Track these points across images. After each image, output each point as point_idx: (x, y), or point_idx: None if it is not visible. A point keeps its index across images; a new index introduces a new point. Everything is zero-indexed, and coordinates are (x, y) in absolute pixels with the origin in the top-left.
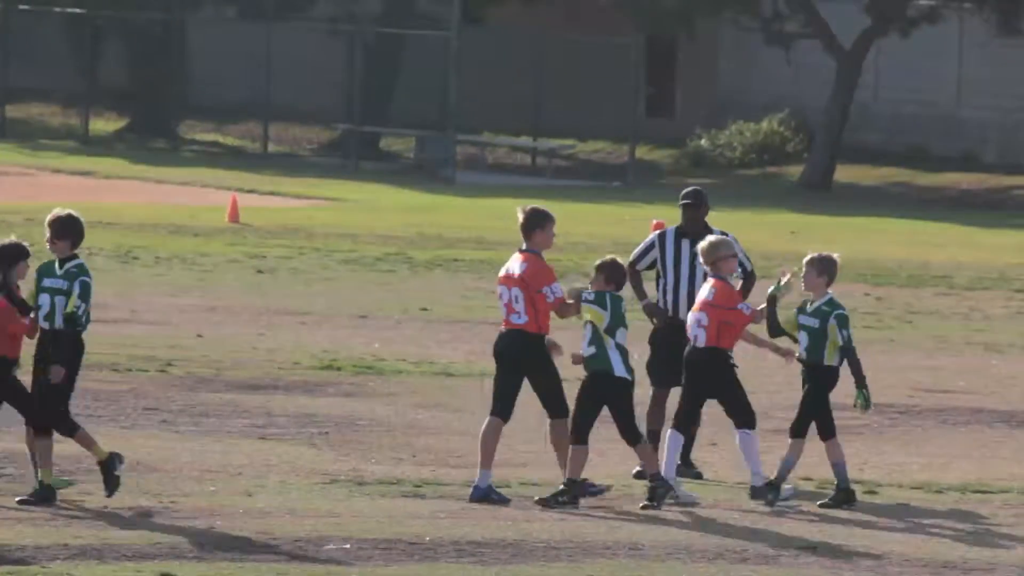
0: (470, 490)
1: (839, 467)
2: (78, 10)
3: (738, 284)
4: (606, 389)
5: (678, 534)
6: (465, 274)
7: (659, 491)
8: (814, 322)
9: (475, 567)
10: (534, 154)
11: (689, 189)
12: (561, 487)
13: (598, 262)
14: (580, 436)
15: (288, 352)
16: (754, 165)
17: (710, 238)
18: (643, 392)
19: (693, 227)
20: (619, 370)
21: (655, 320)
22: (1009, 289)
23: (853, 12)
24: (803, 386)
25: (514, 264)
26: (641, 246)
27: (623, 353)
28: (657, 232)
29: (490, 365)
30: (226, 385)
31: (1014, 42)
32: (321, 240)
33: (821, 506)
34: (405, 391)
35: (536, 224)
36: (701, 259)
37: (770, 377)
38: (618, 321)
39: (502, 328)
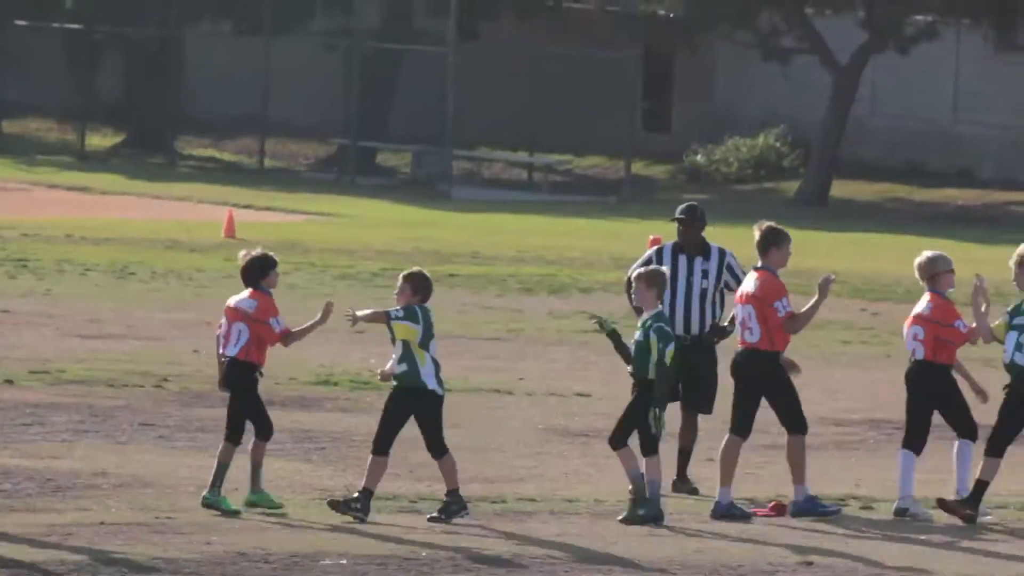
0: (711, 507)
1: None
2: (75, 25)
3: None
4: (417, 403)
5: (673, 550)
6: (461, 289)
7: (452, 508)
8: None
9: None
10: (530, 169)
11: (685, 205)
12: (356, 494)
13: (405, 272)
14: (381, 447)
15: (284, 367)
16: (750, 180)
17: (927, 253)
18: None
19: (690, 243)
20: (431, 384)
21: None
22: (1005, 305)
23: (850, 28)
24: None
25: (749, 282)
26: (639, 261)
27: (436, 366)
28: (655, 248)
29: (486, 380)
30: (222, 400)
31: (1011, 58)
32: (317, 255)
33: (622, 520)
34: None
35: (772, 242)
36: (917, 274)
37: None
38: (430, 334)
39: (738, 346)
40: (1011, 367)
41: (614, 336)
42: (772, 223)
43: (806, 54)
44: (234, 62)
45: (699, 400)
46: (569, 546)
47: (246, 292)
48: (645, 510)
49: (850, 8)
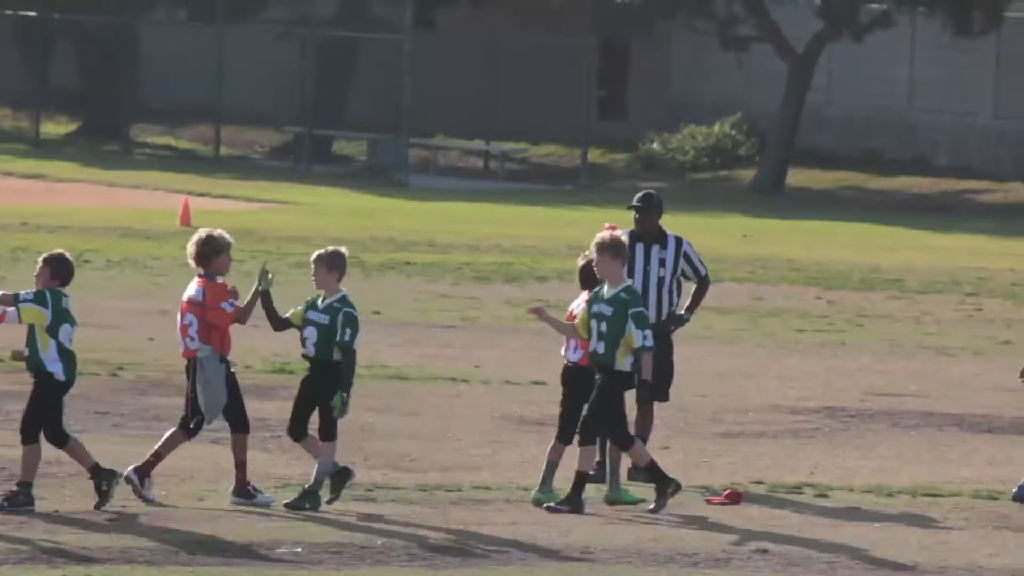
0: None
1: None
2: (29, 13)
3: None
4: (42, 388)
5: (629, 538)
6: (417, 277)
7: (19, 498)
8: None
9: (426, 571)
10: (487, 157)
11: (642, 193)
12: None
13: (45, 255)
14: (29, 437)
15: (240, 356)
16: (706, 168)
17: None
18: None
19: (647, 231)
20: (52, 367)
21: None
22: (960, 293)
23: (805, 16)
24: None
25: None
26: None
27: (65, 354)
28: None
29: (442, 368)
30: (177, 389)
31: (966, 46)
32: (273, 243)
33: (286, 505)
34: (357, 394)
35: None
36: None
37: (720, 380)
38: (61, 318)
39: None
40: None
41: (266, 296)
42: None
43: (762, 42)
44: (189, 50)
45: (655, 388)
46: (524, 535)
47: (195, 281)
48: (310, 502)
49: None
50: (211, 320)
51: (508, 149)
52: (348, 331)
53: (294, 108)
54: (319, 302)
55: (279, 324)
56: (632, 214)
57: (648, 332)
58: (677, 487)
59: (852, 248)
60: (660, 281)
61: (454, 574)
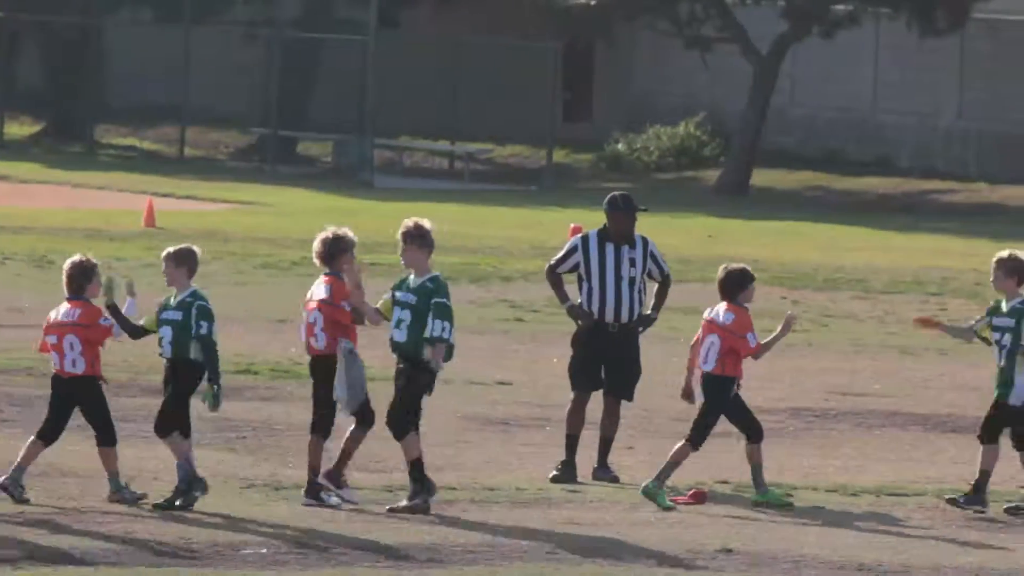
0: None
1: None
2: None
3: (653, 288)
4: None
5: (595, 538)
6: (382, 278)
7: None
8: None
9: (391, 571)
10: (452, 158)
11: (620, 195)
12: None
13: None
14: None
15: None
16: (671, 169)
17: None
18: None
19: (623, 232)
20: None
21: (580, 322)
22: (924, 293)
23: (770, 16)
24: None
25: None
26: (563, 250)
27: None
28: (579, 236)
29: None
30: (142, 390)
31: (930, 47)
32: (238, 244)
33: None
34: None
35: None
36: None
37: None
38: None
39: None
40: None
41: (112, 308)
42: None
43: (727, 43)
44: (154, 51)
45: (622, 387)
46: (489, 535)
47: (320, 280)
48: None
49: None
50: (336, 318)
51: (473, 150)
52: (203, 324)
53: (259, 109)
54: (171, 300)
55: (135, 332)
56: (606, 215)
57: (447, 324)
58: (431, 492)
59: (817, 248)
60: (631, 281)
61: (419, 575)
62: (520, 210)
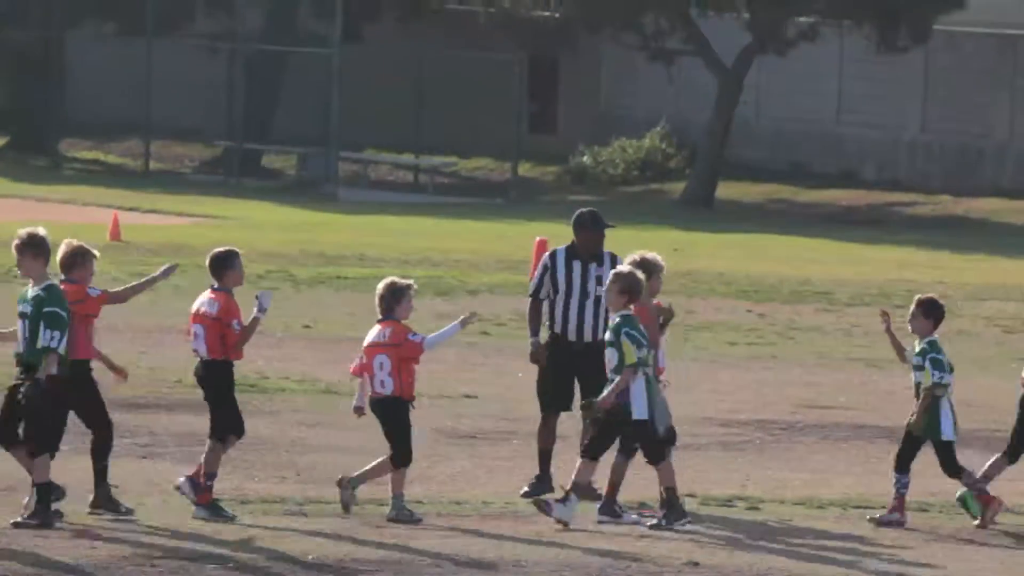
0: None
1: None
2: None
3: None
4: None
5: (561, 552)
6: (348, 291)
7: None
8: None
9: None
10: (416, 171)
11: (589, 212)
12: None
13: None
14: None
15: (171, 371)
16: (636, 182)
17: None
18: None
19: (592, 251)
20: None
21: (530, 359)
22: (889, 305)
23: (734, 29)
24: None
25: None
26: (537, 274)
27: None
28: (548, 255)
29: None
30: (108, 404)
31: (893, 60)
32: (203, 257)
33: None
34: (288, 409)
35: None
36: None
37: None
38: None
39: None
40: None
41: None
42: None
43: (691, 56)
44: (117, 64)
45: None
46: (458, 548)
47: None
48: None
49: (734, 10)
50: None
51: (438, 163)
52: (51, 333)
53: (223, 122)
54: (28, 291)
55: None
56: (574, 232)
57: (57, 334)
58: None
59: (782, 261)
60: (598, 300)
61: None
62: (485, 223)
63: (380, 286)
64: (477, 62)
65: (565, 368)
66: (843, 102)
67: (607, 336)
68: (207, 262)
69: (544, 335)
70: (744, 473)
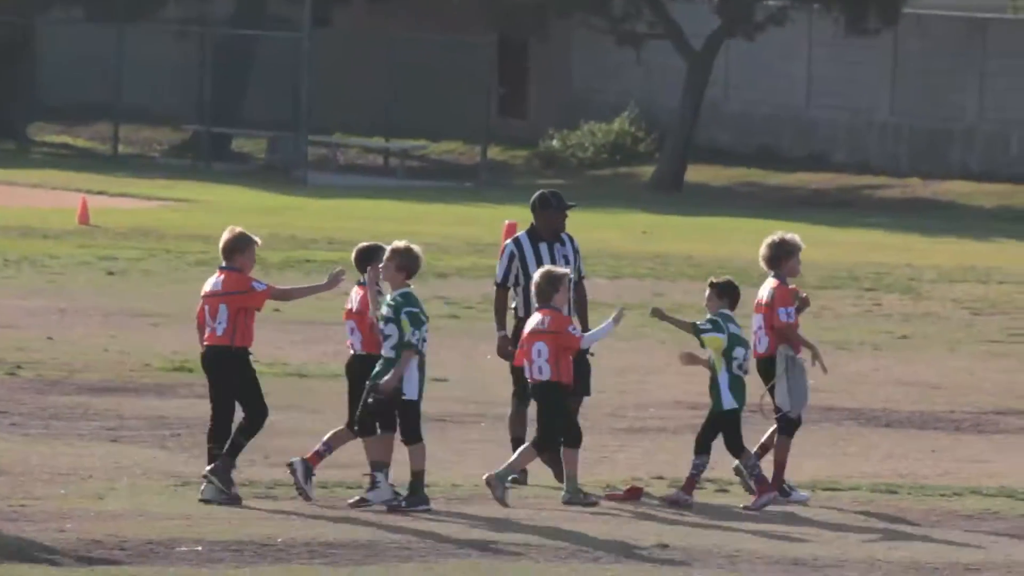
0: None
1: None
2: None
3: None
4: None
5: (531, 534)
6: (318, 275)
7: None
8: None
9: (327, 568)
10: (386, 155)
11: (550, 192)
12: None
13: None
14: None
15: (139, 354)
16: (606, 165)
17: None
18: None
19: (557, 230)
20: None
21: (499, 355)
22: (859, 288)
23: (704, 13)
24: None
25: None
26: (503, 262)
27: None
28: (511, 241)
29: (343, 366)
30: (76, 388)
31: (863, 43)
32: (172, 242)
33: None
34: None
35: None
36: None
37: (621, 377)
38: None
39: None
40: None
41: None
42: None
43: (660, 39)
44: (87, 49)
45: (577, 386)
46: (427, 530)
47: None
48: None
49: None
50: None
51: (408, 146)
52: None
53: (193, 106)
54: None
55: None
56: (535, 213)
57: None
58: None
59: (751, 244)
60: (569, 281)
61: (354, 571)
62: (455, 207)
63: (537, 275)
64: (447, 45)
65: None
66: (812, 85)
67: (384, 312)
68: (353, 256)
69: (510, 322)
70: (713, 457)
